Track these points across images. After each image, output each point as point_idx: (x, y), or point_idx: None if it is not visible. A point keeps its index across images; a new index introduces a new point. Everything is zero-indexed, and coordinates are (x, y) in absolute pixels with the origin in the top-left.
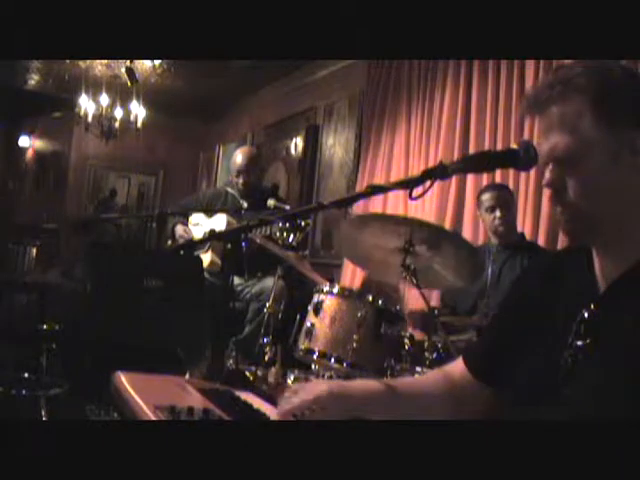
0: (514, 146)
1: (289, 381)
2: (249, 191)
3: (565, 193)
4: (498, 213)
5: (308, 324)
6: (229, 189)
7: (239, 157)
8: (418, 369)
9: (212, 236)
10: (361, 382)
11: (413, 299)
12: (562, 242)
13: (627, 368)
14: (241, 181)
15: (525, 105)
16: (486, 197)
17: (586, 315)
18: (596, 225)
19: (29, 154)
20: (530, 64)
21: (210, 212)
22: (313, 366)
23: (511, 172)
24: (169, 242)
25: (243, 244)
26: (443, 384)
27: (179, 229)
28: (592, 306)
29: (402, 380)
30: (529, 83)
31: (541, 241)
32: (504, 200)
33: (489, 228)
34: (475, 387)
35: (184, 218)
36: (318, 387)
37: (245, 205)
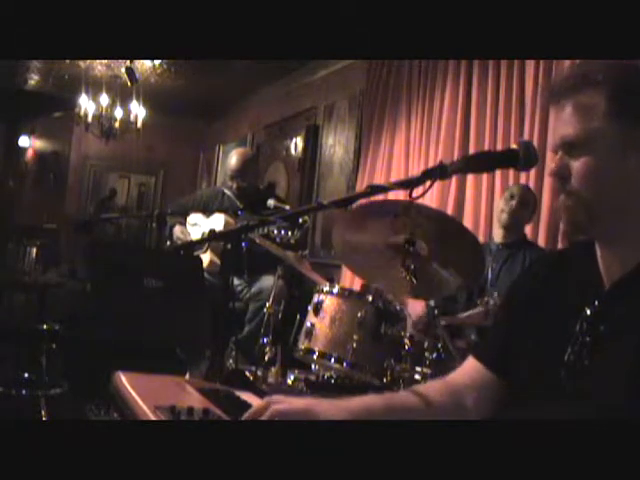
0: (514, 146)
1: (289, 381)
2: (243, 194)
3: (570, 180)
4: (513, 203)
5: (308, 324)
6: (226, 190)
7: (233, 160)
8: (418, 369)
9: (213, 236)
10: (360, 399)
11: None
12: (562, 242)
13: (630, 366)
14: (235, 185)
15: (547, 95)
16: (513, 188)
17: (590, 312)
18: (598, 215)
19: (29, 154)
20: (530, 64)
21: (208, 212)
22: (313, 366)
23: (511, 172)
24: (167, 243)
25: (243, 244)
26: (445, 393)
27: (177, 230)
28: (596, 303)
29: (401, 395)
30: (529, 83)
31: (541, 241)
32: (526, 198)
33: (496, 215)
34: (490, 381)
35: (182, 218)
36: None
37: (241, 206)
